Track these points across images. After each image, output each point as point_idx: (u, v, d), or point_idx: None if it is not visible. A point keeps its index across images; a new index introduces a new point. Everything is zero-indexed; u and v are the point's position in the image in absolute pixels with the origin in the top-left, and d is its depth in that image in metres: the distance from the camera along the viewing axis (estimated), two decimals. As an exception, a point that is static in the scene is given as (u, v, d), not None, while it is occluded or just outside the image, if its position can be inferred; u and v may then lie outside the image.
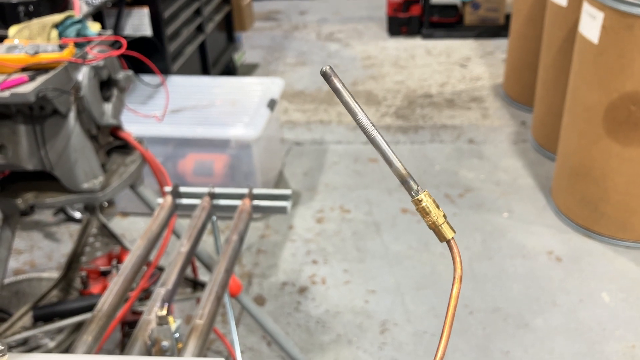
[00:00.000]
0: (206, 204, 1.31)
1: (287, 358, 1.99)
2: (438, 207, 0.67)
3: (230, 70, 3.89)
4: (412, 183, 0.66)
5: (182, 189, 1.37)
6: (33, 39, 1.45)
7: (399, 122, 3.47)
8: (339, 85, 0.65)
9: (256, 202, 1.35)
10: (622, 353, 2.00)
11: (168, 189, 1.35)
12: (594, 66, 2.28)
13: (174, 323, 0.87)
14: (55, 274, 2.05)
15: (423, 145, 3.24)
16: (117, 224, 2.70)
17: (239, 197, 1.35)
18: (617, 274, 2.33)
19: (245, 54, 4.19)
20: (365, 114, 0.67)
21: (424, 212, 0.66)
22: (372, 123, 0.67)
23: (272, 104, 2.70)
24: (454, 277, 0.65)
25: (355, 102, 0.66)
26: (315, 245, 2.55)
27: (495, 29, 4.52)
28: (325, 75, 0.64)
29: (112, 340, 2.00)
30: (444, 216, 0.67)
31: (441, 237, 0.67)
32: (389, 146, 0.67)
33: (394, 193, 2.85)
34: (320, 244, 2.56)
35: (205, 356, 0.96)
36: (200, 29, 3.34)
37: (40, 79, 1.33)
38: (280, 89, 2.85)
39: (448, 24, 4.61)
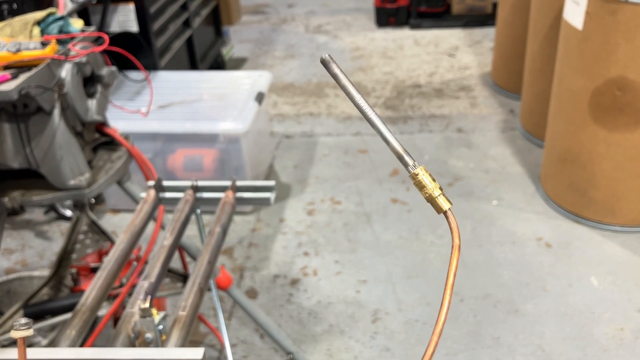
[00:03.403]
0: (189, 197, 1.31)
1: (280, 350, 2.01)
2: (434, 180, 0.68)
3: (218, 64, 3.88)
4: (408, 159, 0.69)
5: (166, 183, 1.38)
6: (15, 36, 1.45)
7: (388, 113, 3.48)
8: (337, 70, 0.69)
9: (239, 194, 1.35)
10: (611, 336, 2.02)
11: (151, 183, 1.36)
12: (579, 52, 2.29)
13: (157, 315, 0.88)
14: (46, 272, 2.05)
15: (412, 135, 3.25)
16: (108, 221, 2.70)
17: (222, 189, 1.36)
18: (605, 258, 2.35)
19: (233, 48, 4.19)
20: (362, 96, 0.70)
21: (420, 185, 0.68)
22: (369, 105, 0.70)
23: (260, 97, 2.70)
24: (453, 247, 0.67)
25: (353, 86, 0.69)
26: (307, 237, 2.56)
27: (482, 18, 4.53)
28: (324, 63, 0.68)
29: (107, 337, 2.01)
30: (440, 188, 0.68)
31: (438, 208, 0.68)
32: (385, 125, 0.69)
33: (384, 183, 2.86)
34: (311, 235, 2.56)
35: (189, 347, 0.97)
36: (187, 23, 3.33)
37: (23, 77, 1.33)
38: (268, 82, 2.85)
39: (436, 13, 4.62)
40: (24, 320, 0.67)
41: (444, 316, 0.65)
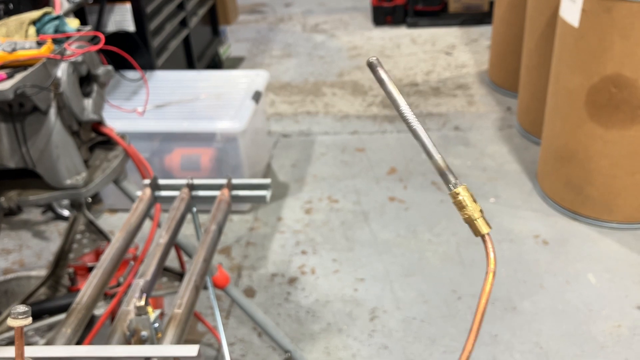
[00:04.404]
0: (185, 195, 1.32)
1: (278, 348, 2.01)
2: (475, 201, 0.66)
3: (216, 64, 3.88)
4: (450, 176, 0.65)
5: (162, 181, 1.38)
6: (10, 36, 1.45)
7: (385, 112, 3.48)
8: (384, 75, 0.64)
9: (235, 192, 1.35)
10: (608, 333, 2.03)
11: (146, 181, 1.36)
12: (575, 50, 2.29)
13: (152, 313, 0.88)
14: (43, 272, 2.05)
15: (409, 133, 3.24)
16: (106, 221, 2.70)
17: (218, 187, 1.36)
18: (602, 255, 2.35)
19: (230, 48, 4.19)
20: (407, 105, 0.66)
21: (460, 206, 0.65)
22: (413, 114, 0.66)
23: (257, 96, 2.70)
24: (487, 272, 0.65)
25: (399, 92, 0.65)
26: (304, 235, 2.56)
27: (479, 16, 4.53)
28: (371, 66, 0.63)
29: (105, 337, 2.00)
30: (481, 211, 0.65)
31: (476, 231, 0.66)
32: (429, 138, 0.66)
33: (381, 182, 2.87)
34: (309, 234, 2.57)
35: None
36: (184, 23, 3.33)
37: (19, 76, 1.33)
38: (265, 81, 2.85)
39: (432, 12, 4.62)
40: (22, 309, 0.66)
41: (473, 340, 0.64)
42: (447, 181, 0.64)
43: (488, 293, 0.64)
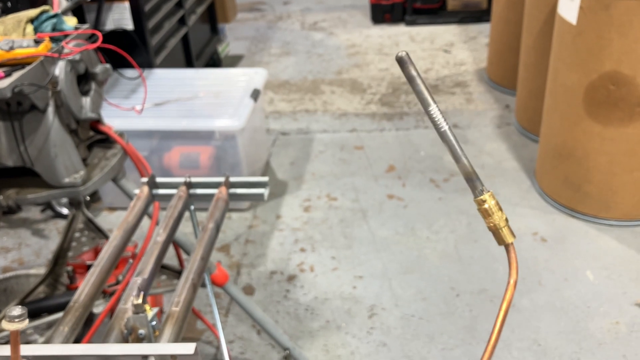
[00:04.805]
0: (182, 193, 1.32)
1: (276, 346, 2.01)
2: (501, 209, 0.65)
3: (214, 62, 3.88)
4: (477, 182, 0.63)
5: (159, 179, 1.38)
6: (8, 34, 1.45)
7: (384, 109, 3.48)
8: (413, 72, 0.60)
9: (233, 190, 1.36)
10: (606, 329, 2.03)
11: (144, 179, 1.36)
12: (573, 47, 2.30)
13: (150, 311, 0.88)
14: (42, 270, 2.05)
15: (408, 131, 3.26)
16: (104, 219, 2.70)
17: (216, 185, 1.36)
18: (600, 252, 2.35)
19: (229, 46, 4.19)
20: (437, 105, 0.62)
21: (486, 214, 0.64)
22: (444, 117, 0.63)
23: (255, 94, 2.70)
24: (509, 283, 0.64)
25: (429, 92, 0.61)
26: (303, 233, 2.56)
27: (478, 14, 4.53)
28: (400, 61, 0.59)
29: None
30: (506, 220, 0.64)
31: (500, 240, 0.64)
32: (457, 142, 0.62)
33: (380, 180, 2.87)
34: (307, 232, 2.57)
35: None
36: (182, 21, 3.33)
37: (16, 75, 1.33)
38: (263, 79, 2.85)
39: (431, 10, 4.62)
40: (17, 312, 0.64)
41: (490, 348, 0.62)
42: (473, 187, 0.62)
43: (508, 303, 0.62)
